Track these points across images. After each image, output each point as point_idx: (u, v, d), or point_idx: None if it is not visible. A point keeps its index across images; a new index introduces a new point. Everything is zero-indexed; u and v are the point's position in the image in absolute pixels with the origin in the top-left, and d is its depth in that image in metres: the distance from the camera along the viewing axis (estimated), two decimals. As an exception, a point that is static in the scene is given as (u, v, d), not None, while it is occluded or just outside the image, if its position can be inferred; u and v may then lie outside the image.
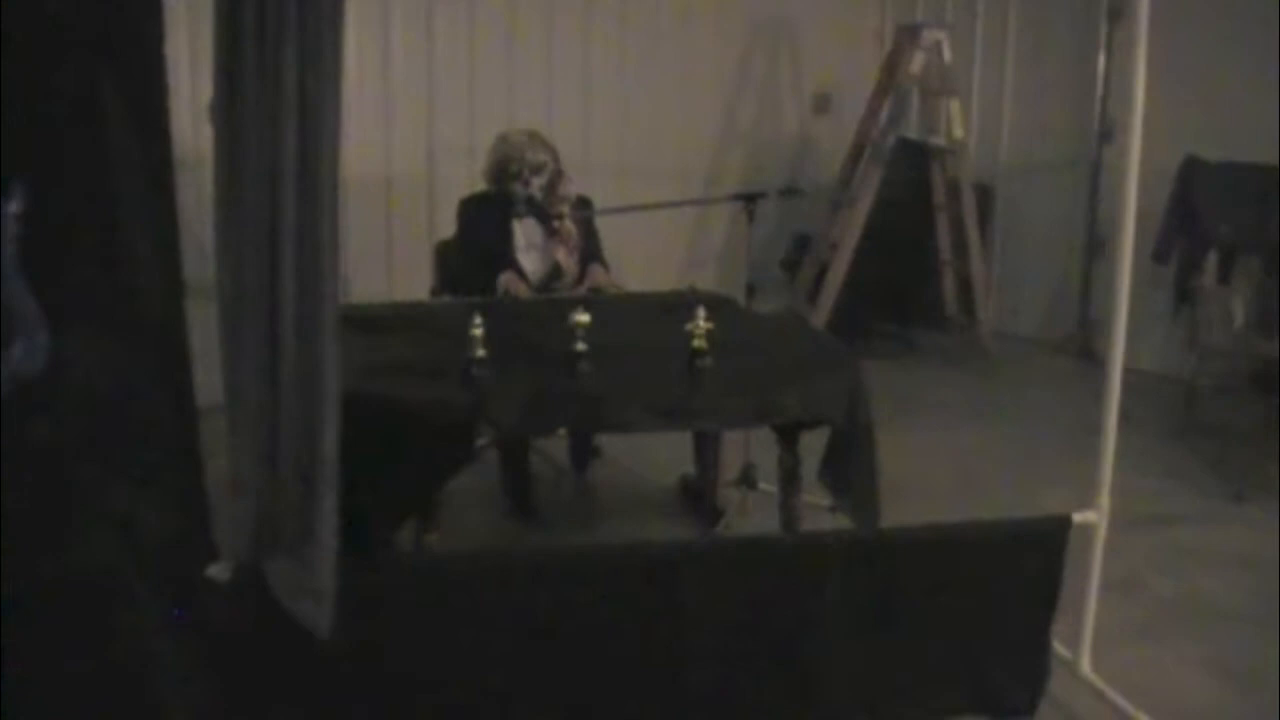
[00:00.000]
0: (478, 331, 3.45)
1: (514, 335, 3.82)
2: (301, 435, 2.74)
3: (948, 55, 7.16)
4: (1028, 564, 3.39)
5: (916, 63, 7.10)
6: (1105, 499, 3.48)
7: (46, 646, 2.75)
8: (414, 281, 5.52)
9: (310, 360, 2.70)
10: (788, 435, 3.93)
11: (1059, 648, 3.56)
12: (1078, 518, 3.43)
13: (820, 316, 7.09)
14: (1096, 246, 7.60)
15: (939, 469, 5.56)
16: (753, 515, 4.76)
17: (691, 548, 3.49)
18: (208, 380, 2.72)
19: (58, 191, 2.52)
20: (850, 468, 3.66)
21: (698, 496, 4.97)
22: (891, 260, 7.46)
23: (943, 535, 3.39)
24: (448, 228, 5.19)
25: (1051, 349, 7.87)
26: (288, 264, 2.64)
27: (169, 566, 2.86)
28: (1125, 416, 3.53)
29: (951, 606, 3.35)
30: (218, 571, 2.84)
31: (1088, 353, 7.63)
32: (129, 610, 2.85)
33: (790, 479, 3.97)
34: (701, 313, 3.61)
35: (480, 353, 3.45)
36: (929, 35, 7.10)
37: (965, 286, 7.47)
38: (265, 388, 2.72)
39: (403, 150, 6.80)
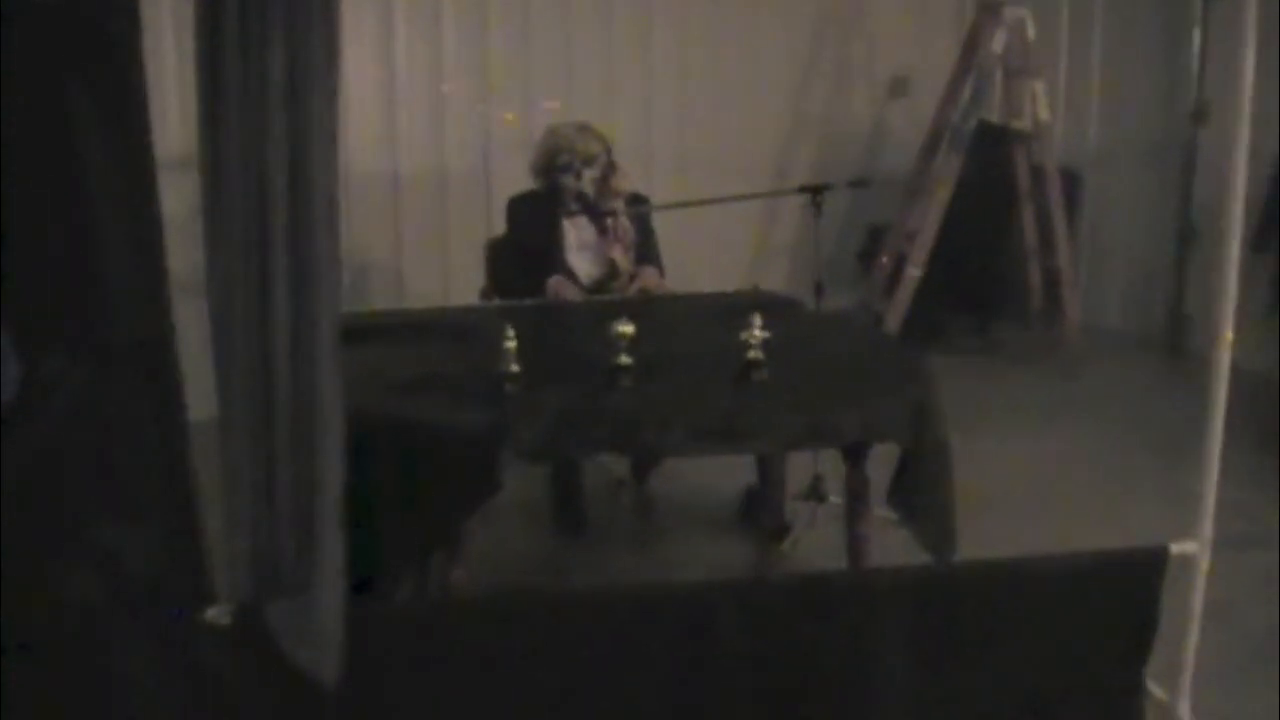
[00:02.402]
0: (511, 344, 3.16)
1: (554, 346, 3.53)
2: (300, 469, 2.48)
3: (1031, 33, 6.76)
4: (1119, 602, 3.03)
5: (998, 42, 6.71)
6: (1208, 527, 3.11)
7: (31, 695, 2.53)
8: (470, 282, 5.25)
9: (307, 387, 2.43)
10: (854, 453, 3.60)
11: (1153, 688, 3.20)
12: (1176, 548, 3.07)
13: (897, 311, 6.74)
14: (1190, 235, 7.18)
15: (1022, 478, 5.20)
16: (823, 530, 4.44)
17: (742, 589, 3.15)
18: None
19: (23, 205, 2.28)
20: (921, 492, 3.33)
21: (763, 510, 4.65)
22: (972, 252, 7.12)
23: (1022, 570, 3.04)
24: (503, 224, 4.92)
25: (1140, 344, 7.48)
26: (280, 279, 2.37)
27: (162, 607, 2.62)
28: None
29: (1033, 649, 3.00)
30: (217, 615, 2.59)
31: (1180, 348, 7.23)
32: (120, 655, 2.63)
33: (857, 502, 3.64)
34: (757, 319, 3.29)
35: (513, 368, 3.16)
36: (1011, 12, 6.70)
37: (1052, 279, 7.09)
38: (259, 415, 2.46)
39: (457, 144, 6.54)
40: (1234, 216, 3.00)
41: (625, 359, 3.25)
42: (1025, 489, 5.08)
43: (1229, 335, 3.07)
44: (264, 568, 2.56)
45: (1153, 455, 5.44)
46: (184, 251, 2.51)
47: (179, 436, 2.52)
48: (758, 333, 3.29)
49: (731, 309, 3.95)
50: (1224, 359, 3.06)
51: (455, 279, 6.34)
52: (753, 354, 3.30)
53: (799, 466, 4.56)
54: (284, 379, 2.42)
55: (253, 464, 2.48)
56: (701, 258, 6.24)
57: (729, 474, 4.90)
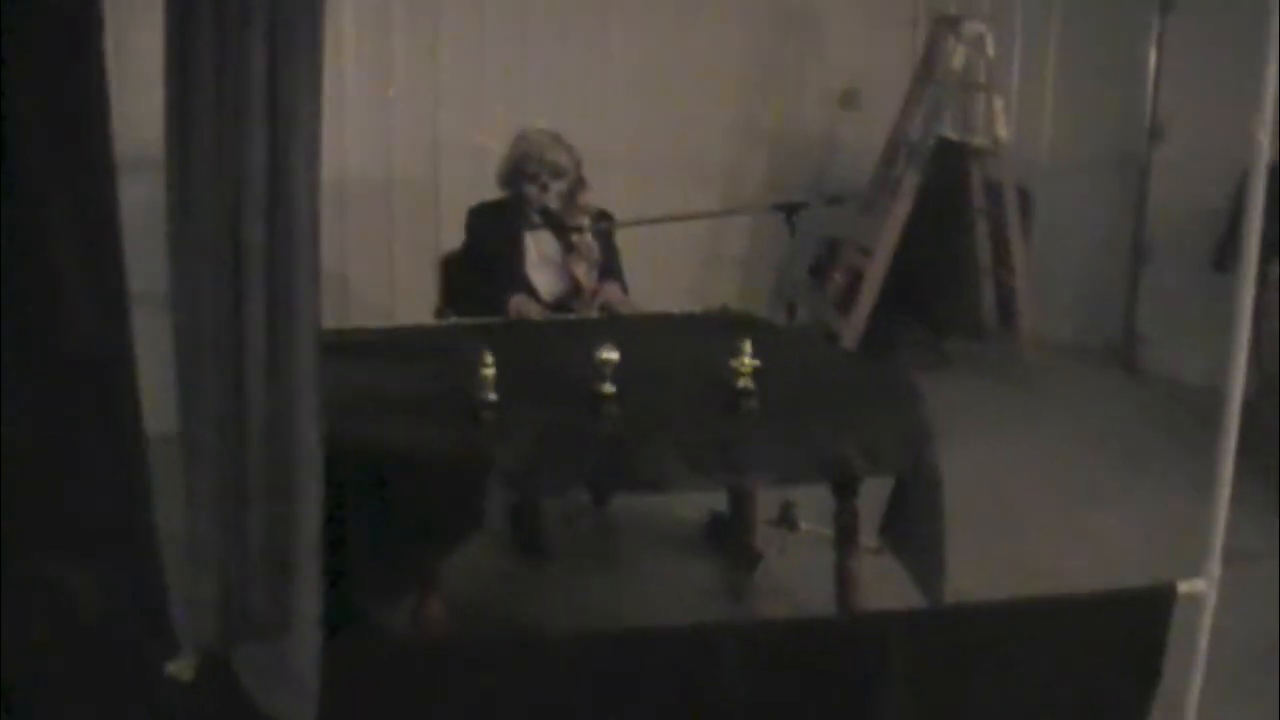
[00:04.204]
0: (489, 371, 2.96)
1: (529, 370, 3.31)
2: (277, 504, 2.28)
3: (991, 49, 6.66)
4: (1125, 641, 2.93)
5: (958, 57, 6.60)
6: (1217, 564, 2.98)
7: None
8: (419, 298, 5.03)
9: (285, 413, 2.23)
10: (845, 486, 3.43)
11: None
12: (1184, 587, 2.94)
13: (854, 327, 6.62)
14: (1144, 252, 7.13)
15: (983, 496, 5.02)
16: (794, 558, 4.26)
17: (732, 631, 2.97)
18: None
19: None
20: (918, 525, 3.18)
21: (731, 537, 4.47)
22: (927, 267, 6.99)
23: (1027, 610, 2.92)
24: (455, 237, 4.72)
25: (1093, 360, 7.38)
26: (256, 295, 2.18)
27: (118, 656, 2.41)
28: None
29: (1038, 690, 2.90)
30: (179, 669, 2.37)
31: (1133, 365, 7.16)
32: (73, 702, 2.41)
33: (847, 537, 3.47)
34: (747, 346, 3.11)
35: (490, 395, 2.96)
36: (970, 27, 6.60)
37: (1006, 295, 7.00)
38: (230, 446, 2.26)
39: (405, 150, 6.30)
40: (1250, 247, 2.87)
41: (609, 387, 3.06)
42: (985, 505, 4.90)
43: (1241, 373, 2.94)
44: (233, 611, 2.36)
45: (1109, 470, 5.41)
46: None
47: (137, 466, 2.32)
48: (747, 360, 3.12)
49: (705, 330, 3.77)
50: (1235, 396, 2.94)
51: (403, 293, 6.10)
52: (743, 382, 3.12)
53: (769, 491, 4.38)
54: (259, 405, 2.22)
55: (224, 498, 2.28)
56: (649, 269, 6.06)
57: (691, 497, 4.69)
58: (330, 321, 5.56)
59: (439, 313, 4.69)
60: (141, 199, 2.43)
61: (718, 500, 4.57)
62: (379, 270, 6.26)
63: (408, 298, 5.82)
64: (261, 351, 2.21)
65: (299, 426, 2.25)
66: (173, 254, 2.18)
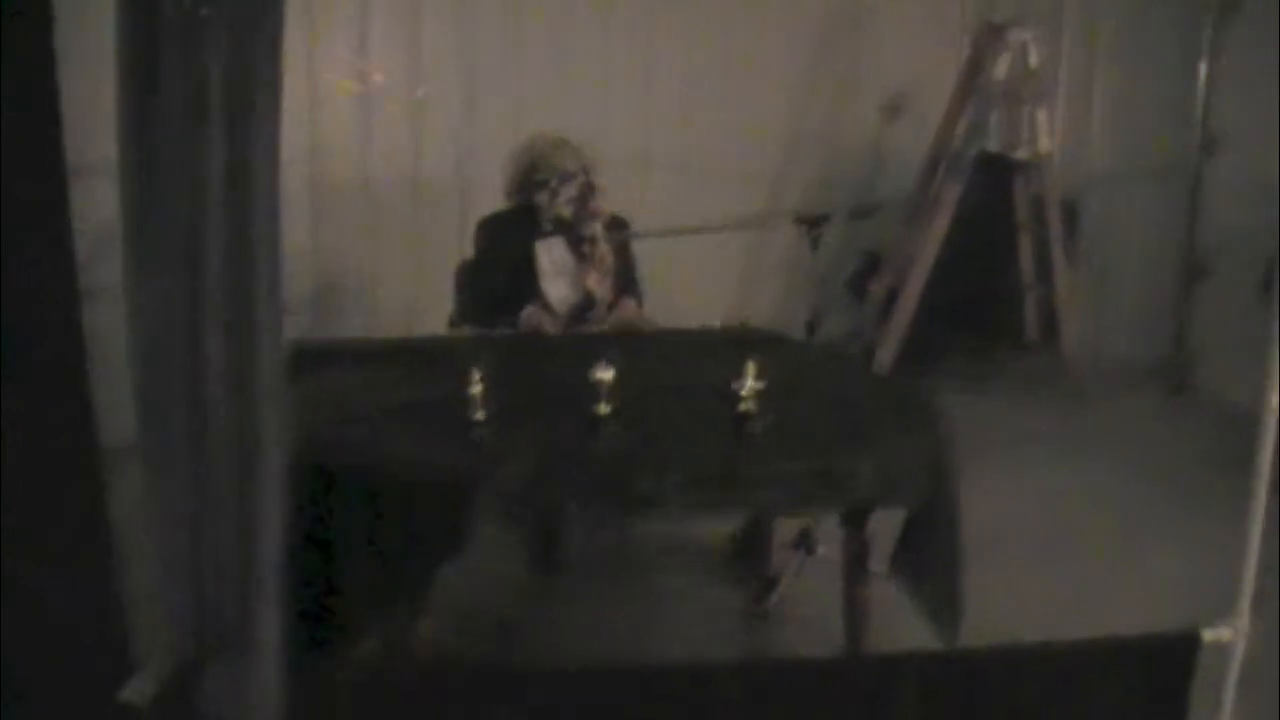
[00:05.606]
0: (476, 389, 2.85)
1: (525, 390, 3.20)
2: (236, 526, 2.17)
3: (1035, 59, 6.48)
4: (1146, 691, 2.75)
5: (1001, 67, 6.43)
6: (1245, 612, 2.80)
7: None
8: (444, 304, 4.93)
9: (245, 430, 2.12)
10: (854, 516, 3.29)
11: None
12: (1209, 635, 2.77)
13: (892, 342, 6.46)
14: (1196, 268, 6.92)
15: (1021, 520, 4.92)
16: (810, 583, 4.13)
17: (733, 670, 2.83)
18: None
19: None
20: (931, 562, 3.02)
21: (750, 558, 4.33)
22: (968, 282, 6.82)
23: (1042, 656, 2.76)
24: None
25: (1141, 378, 7.17)
26: (214, 305, 2.06)
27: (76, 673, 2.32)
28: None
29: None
30: (133, 693, 2.27)
31: (1182, 384, 6.97)
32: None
33: (856, 567, 3.32)
34: (751, 368, 2.98)
35: (480, 414, 2.85)
36: (1015, 36, 6.43)
37: (1049, 311, 6.82)
38: (189, 462, 2.15)
39: (433, 153, 6.20)
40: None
41: (604, 408, 2.95)
42: (1023, 529, 4.82)
43: (1275, 403, 2.75)
44: (194, 636, 2.25)
45: (1154, 493, 5.32)
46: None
47: (93, 476, 2.23)
48: (751, 383, 2.99)
49: (720, 348, 3.65)
50: (1271, 427, 2.74)
51: (429, 298, 5.99)
52: (745, 405, 2.99)
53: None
54: (219, 421, 2.11)
55: (182, 516, 2.17)
56: (686, 282, 5.93)
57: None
58: (355, 327, 5.58)
59: (453, 323, 4.59)
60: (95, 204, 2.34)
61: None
62: (405, 275, 6.16)
63: (432, 304, 5.74)
64: (222, 363, 2.10)
65: (260, 448, 2.14)
66: (129, 264, 2.07)
